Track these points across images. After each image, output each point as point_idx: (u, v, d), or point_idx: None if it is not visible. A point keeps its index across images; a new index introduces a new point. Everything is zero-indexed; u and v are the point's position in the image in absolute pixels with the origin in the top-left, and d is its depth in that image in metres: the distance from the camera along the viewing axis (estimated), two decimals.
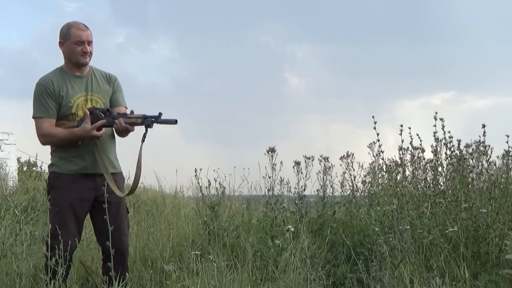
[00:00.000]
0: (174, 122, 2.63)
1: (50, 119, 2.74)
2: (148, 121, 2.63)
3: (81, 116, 2.75)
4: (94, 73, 2.87)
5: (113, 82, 2.91)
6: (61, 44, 2.79)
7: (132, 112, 2.72)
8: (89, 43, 2.76)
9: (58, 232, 2.49)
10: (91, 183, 2.73)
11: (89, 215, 2.87)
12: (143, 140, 2.70)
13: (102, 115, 2.72)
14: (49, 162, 2.85)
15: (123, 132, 2.76)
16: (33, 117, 2.76)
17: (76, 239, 2.66)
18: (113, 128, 2.78)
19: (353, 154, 4.62)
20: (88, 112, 2.68)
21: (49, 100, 2.73)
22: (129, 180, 6.59)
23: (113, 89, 2.90)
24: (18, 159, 9.27)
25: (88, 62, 2.81)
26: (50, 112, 2.73)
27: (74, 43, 2.73)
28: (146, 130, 2.67)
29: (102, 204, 2.46)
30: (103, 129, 2.72)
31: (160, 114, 2.62)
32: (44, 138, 2.75)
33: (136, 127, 2.73)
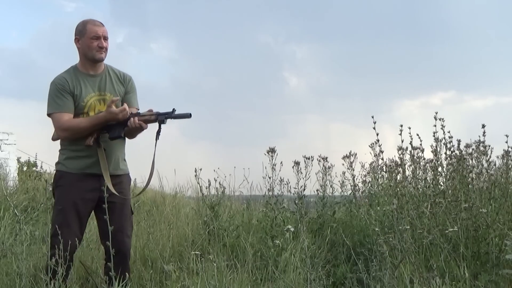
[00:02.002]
0: (188, 116, 2.62)
1: (69, 113, 2.72)
2: (161, 117, 2.64)
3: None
4: (109, 72, 2.86)
5: (127, 83, 2.90)
6: (76, 40, 2.78)
7: (150, 110, 2.71)
8: (105, 38, 2.75)
9: (60, 230, 2.50)
10: (96, 183, 2.70)
11: (94, 215, 2.87)
12: (157, 138, 2.71)
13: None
14: (56, 160, 2.84)
15: (135, 132, 2.76)
16: (49, 114, 2.73)
17: (78, 238, 2.66)
18: (124, 130, 2.76)
19: (355, 154, 4.63)
20: (114, 98, 2.69)
21: (66, 96, 2.72)
22: (135, 181, 6.57)
23: (127, 90, 2.89)
24: (18, 159, 9.26)
25: (104, 58, 2.79)
26: (68, 106, 2.71)
27: (90, 38, 2.72)
28: (160, 127, 2.68)
29: (107, 205, 2.45)
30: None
31: (173, 110, 2.63)
32: (65, 132, 2.71)
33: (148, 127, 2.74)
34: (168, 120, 2.66)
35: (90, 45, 2.73)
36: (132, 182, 6.99)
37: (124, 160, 2.92)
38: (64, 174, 2.75)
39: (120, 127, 2.72)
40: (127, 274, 2.44)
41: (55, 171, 2.85)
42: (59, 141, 2.84)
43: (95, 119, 2.69)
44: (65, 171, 2.74)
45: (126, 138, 2.91)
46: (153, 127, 2.74)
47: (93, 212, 2.82)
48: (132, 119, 2.67)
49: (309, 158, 4.12)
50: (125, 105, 2.70)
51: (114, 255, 2.41)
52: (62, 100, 2.71)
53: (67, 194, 2.69)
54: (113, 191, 2.65)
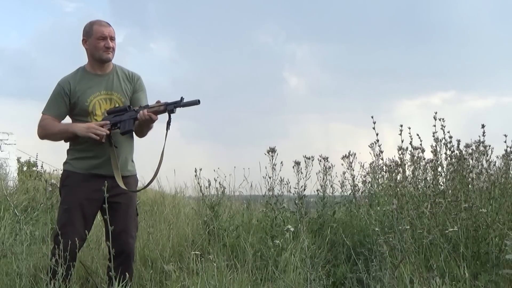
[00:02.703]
0: (197, 102, 2.60)
1: (53, 117, 2.77)
2: (170, 107, 2.63)
3: (99, 115, 2.77)
4: (117, 72, 2.86)
5: (135, 81, 2.90)
6: (84, 42, 2.81)
7: (158, 102, 2.70)
8: (112, 38, 2.77)
9: (65, 230, 2.52)
10: (102, 184, 2.72)
11: (101, 217, 2.89)
12: (168, 128, 2.70)
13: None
14: (57, 159, 2.91)
15: (146, 126, 2.74)
16: (42, 112, 2.81)
17: (82, 239, 2.66)
18: (134, 124, 2.75)
19: (354, 154, 4.63)
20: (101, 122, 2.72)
21: (61, 101, 2.77)
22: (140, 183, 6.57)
23: (135, 88, 2.88)
24: (18, 159, 9.26)
25: (111, 58, 2.81)
26: (57, 113, 2.78)
27: (96, 38, 2.75)
28: (170, 117, 2.67)
29: (111, 205, 2.49)
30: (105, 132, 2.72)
31: (181, 98, 2.61)
32: (39, 129, 2.79)
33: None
34: (177, 111, 2.64)
35: (96, 46, 2.75)
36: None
37: (132, 161, 2.91)
38: (70, 174, 2.77)
39: (130, 121, 2.72)
40: (127, 274, 2.43)
41: (62, 171, 2.88)
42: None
43: (69, 126, 2.76)
44: (72, 170, 2.77)
45: (135, 137, 2.91)
46: (161, 124, 2.75)
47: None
48: (141, 111, 2.67)
49: (309, 158, 4.13)
50: (103, 123, 2.72)
51: (118, 255, 2.44)
52: (53, 104, 2.79)
53: (73, 194, 2.70)
54: (123, 186, 2.68)
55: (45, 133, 2.79)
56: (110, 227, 2.29)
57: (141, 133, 2.87)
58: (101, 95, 2.78)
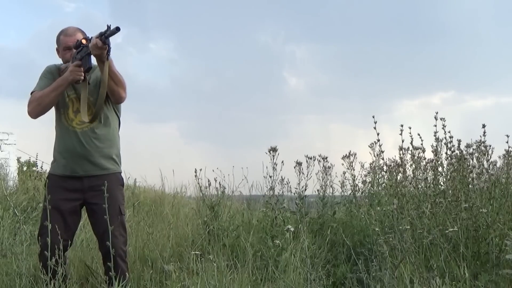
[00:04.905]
0: (118, 29, 2.46)
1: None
2: (102, 39, 2.50)
3: (70, 114, 2.75)
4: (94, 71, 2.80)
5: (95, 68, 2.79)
6: (57, 51, 2.84)
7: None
8: None
9: (43, 230, 2.53)
10: (78, 184, 2.75)
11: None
12: (107, 58, 2.57)
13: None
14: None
15: (102, 63, 2.59)
16: (31, 92, 2.74)
17: (63, 238, 2.61)
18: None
19: (355, 154, 4.64)
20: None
21: (50, 77, 2.75)
22: (129, 180, 6.52)
23: (96, 72, 2.79)
24: (18, 159, 9.24)
25: None
26: (47, 85, 2.71)
27: (63, 50, 2.77)
28: (109, 47, 2.54)
29: (90, 206, 2.68)
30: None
31: (108, 27, 2.48)
32: (30, 104, 2.70)
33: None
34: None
35: (64, 57, 2.78)
36: (132, 182, 6.84)
37: (112, 158, 2.83)
38: (50, 176, 2.82)
39: (88, 58, 2.64)
40: (119, 271, 2.49)
41: None
42: None
43: (57, 81, 2.68)
44: (52, 173, 2.82)
45: (119, 136, 2.89)
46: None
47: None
48: (91, 44, 2.54)
49: (311, 158, 4.13)
50: (76, 63, 2.65)
51: (106, 256, 2.52)
52: (43, 81, 2.75)
53: (50, 195, 2.68)
54: (86, 119, 2.67)
55: (37, 102, 2.68)
56: (100, 229, 2.32)
57: (104, 82, 2.63)
58: (72, 95, 2.77)
